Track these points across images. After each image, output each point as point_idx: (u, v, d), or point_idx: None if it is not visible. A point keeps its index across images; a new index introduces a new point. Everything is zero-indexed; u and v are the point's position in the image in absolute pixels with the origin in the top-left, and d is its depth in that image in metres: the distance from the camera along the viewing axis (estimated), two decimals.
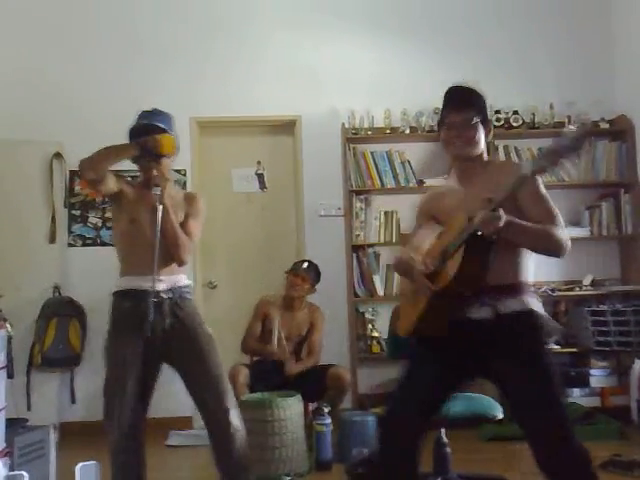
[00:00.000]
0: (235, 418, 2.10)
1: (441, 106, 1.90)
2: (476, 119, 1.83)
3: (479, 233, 1.65)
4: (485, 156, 1.90)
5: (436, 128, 1.94)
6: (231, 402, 2.11)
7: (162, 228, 2.10)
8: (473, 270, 1.68)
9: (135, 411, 2.08)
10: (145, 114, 2.25)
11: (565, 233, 1.74)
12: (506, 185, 1.63)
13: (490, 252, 1.69)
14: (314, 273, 3.51)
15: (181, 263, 2.17)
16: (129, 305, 2.11)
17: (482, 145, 1.86)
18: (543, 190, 1.78)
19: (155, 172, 2.15)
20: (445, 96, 1.90)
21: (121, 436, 2.06)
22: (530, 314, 1.77)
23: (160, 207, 2.09)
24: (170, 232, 2.12)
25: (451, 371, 1.79)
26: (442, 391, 1.82)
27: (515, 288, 1.78)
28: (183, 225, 2.18)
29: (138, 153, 2.16)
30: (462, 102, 1.84)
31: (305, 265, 3.49)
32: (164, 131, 2.18)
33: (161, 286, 2.10)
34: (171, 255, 2.14)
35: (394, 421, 1.79)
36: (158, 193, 2.12)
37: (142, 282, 2.09)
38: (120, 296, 2.16)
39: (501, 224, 1.62)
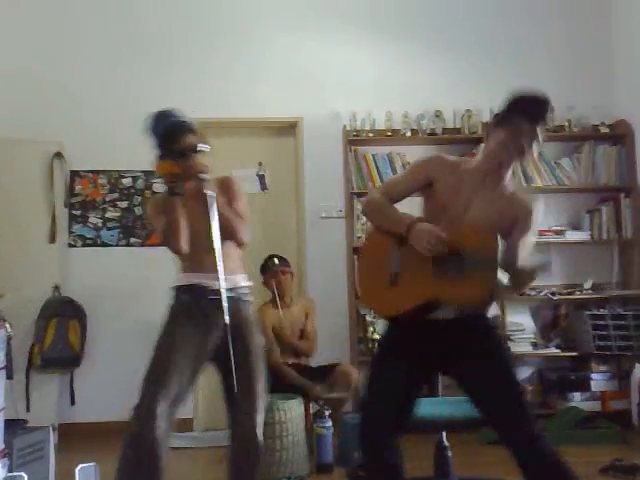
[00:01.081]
0: (261, 436, 2.09)
1: (514, 103, 1.83)
2: (540, 136, 1.82)
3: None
4: (508, 175, 1.89)
5: (490, 121, 1.89)
6: (260, 417, 2.09)
7: (218, 217, 2.05)
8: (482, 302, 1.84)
9: (171, 402, 1.99)
10: (162, 116, 2.15)
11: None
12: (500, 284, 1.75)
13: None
14: (285, 262, 3.55)
15: (243, 245, 2.14)
16: (189, 299, 2.10)
17: (522, 161, 1.88)
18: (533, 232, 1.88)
19: (192, 163, 2.06)
20: (522, 99, 1.83)
21: (154, 402, 1.94)
22: (485, 317, 1.90)
23: (210, 194, 2.04)
24: (225, 217, 2.08)
25: (417, 371, 1.86)
26: (410, 391, 1.88)
27: None
28: (228, 209, 2.12)
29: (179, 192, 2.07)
30: (540, 117, 1.81)
31: (276, 260, 3.51)
32: (188, 126, 2.13)
33: (223, 284, 2.06)
34: (236, 239, 2.11)
35: (370, 427, 1.85)
36: (206, 179, 2.05)
37: (203, 279, 2.08)
38: (181, 291, 2.13)
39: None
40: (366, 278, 1.93)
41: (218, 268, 2.02)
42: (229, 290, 2.09)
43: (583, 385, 3.83)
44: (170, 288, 2.17)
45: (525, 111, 1.81)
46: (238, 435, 2.08)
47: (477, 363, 1.80)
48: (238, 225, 2.12)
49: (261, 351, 2.16)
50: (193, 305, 2.09)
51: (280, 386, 3.23)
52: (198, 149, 2.07)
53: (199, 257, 2.10)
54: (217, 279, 2.04)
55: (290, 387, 3.23)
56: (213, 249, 2.03)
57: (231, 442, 2.11)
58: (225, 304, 2.02)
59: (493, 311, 1.92)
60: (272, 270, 3.50)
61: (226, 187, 2.19)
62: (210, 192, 2.05)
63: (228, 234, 2.09)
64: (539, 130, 1.81)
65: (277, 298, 3.49)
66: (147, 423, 1.93)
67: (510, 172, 1.89)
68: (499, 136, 1.83)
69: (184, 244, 2.08)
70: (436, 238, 1.76)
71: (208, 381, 3.78)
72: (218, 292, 2.04)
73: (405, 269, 1.84)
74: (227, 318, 2.03)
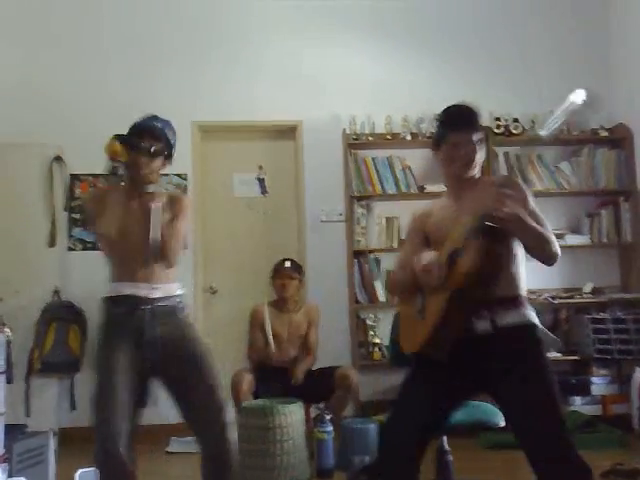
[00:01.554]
0: (231, 433, 2.02)
1: (439, 123, 1.89)
2: (478, 140, 1.83)
3: (490, 225, 1.66)
4: (478, 173, 1.90)
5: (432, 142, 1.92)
6: (228, 417, 2.03)
7: (151, 229, 2.02)
8: (489, 263, 1.68)
9: (125, 421, 1.96)
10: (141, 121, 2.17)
11: (557, 244, 1.80)
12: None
13: (502, 244, 1.73)
14: (297, 268, 3.52)
15: (170, 265, 2.08)
16: (122, 312, 2.04)
17: (479, 165, 1.87)
18: (535, 206, 1.84)
19: (142, 172, 2.07)
20: (446, 114, 1.88)
21: (107, 448, 1.94)
22: (529, 327, 1.78)
23: (154, 206, 2.02)
24: (162, 231, 2.04)
25: (449, 390, 1.79)
26: (440, 410, 1.81)
27: (513, 300, 1.78)
28: (168, 226, 2.08)
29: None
30: (465, 122, 1.84)
31: (287, 264, 3.48)
32: (158, 131, 2.12)
33: (155, 294, 2.05)
34: (163, 258, 2.05)
35: (394, 443, 1.78)
36: (148, 190, 2.05)
37: (135, 289, 2.03)
38: (110, 302, 2.08)
39: (511, 209, 1.65)
40: (404, 328, 1.93)
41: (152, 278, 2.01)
42: (163, 299, 2.06)
43: (584, 389, 3.82)
44: (101, 299, 2.12)
45: (452, 123, 1.85)
46: (209, 445, 2.01)
47: (513, 386, 1.69)
48: (170, 245, 2.04)
49: (207, 352, 2.08)
50: (127, 318, 2.02)
51: (265, 370, 3.26)
52: (150, 151, 2.06)
53: (132, 266, 2.05)
54: (150, 289, 2.03)
55: (273, 369, 3.25)
56: (147, 258, 2.02)
57: (203, 454, 2.04)
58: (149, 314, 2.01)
59: (536, 320, 1.80)
60: (276, 272, 3.48)
61: (174, 203, 2.13)
62: (154, 205, 2.03)
63: (160, 251, 2.04)
64: (474, 134, 1.82)
65: (278, 301, 3.47)
66: (112, 461, 1.93)
67: (475, 173, 1.87)
68: (440, 157, 1.88)
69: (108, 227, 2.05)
70: (432, 267, 1.74)
71: None
72: (152, 302, 2.03)
73: (427, 298, 1.81)
74: (158, 329, 2.01)
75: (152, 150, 2.06)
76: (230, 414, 2.05)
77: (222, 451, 2.00)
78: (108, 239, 2.06)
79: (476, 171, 1.87)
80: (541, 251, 1.76)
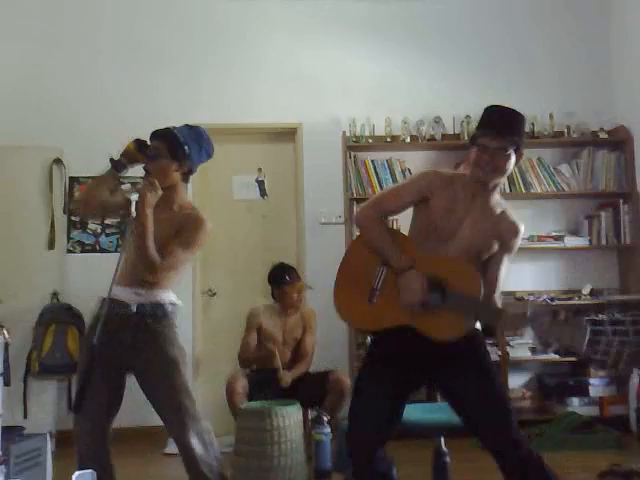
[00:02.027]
0: (198, 446, 2.01)
1: (478, 122, 1.85)
2: (511, 149, 1.80)
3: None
4: (499, 186, 1.89)
5: (467, 140, 1.95)
6: (193, 431, 2.00)
7: (135, 235, 2.02)
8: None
9: (98, 418, 2.03)
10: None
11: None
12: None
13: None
14: (296, 275, 3.49)
15: (145, 279, 2.02)
16: (103, 312, 2.02)
17: (506, 175, 1.86)
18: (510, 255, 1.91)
19: (150, 177, 2.07)
20: (486, 115, 1.84)
21: (85, 440, 2.02)
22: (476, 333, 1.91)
23: (134, 213, 2.00)
24: (136, 243, 2.02)
25: (403, 382, 1.87)
26: (397, 402, 1.88)
27: None
28: (164, 243, 2.03)
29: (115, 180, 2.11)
30: (503, 128, 1.79)
31: (287, 278, 3.42)
32: (161, 132, 2.13)
33: (135, 298, 2.04)
34: (140, 270, 2.02)
35: (358, 438, 1.85)
36: (136, 199, 2.01)
37: (119, 292, 2.04)
38: (101, 302, 2.10)
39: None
40: (344, 288, 1.91)
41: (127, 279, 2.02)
42: (141, 305, 2.04)
43: (581, 390, 3.83)
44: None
45: (488, 126, 1.81)
46: (179, 449, 2.04)
47: (461, 370, 1.83)
48: (146, 261, 1.99)
49: (177, 363, 2.05)
50: (106, 319, 1.99)
51: (259, 373, 3.26)
52: (151, 155, 2.07)
53: (122, 270, 2.05)
54: (131, 293, 2.04)
55: (268, 372, 3.25)
56: (130, 263, 2.03)
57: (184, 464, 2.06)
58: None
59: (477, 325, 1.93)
60: (292, 283, 3.40)
61: (185, 222, 2.07)
62: (134, 197, 2.01)
63: (137, 258, 2.02)
64: (508, 143, 1.79)
65: (282, 308, 3.46)
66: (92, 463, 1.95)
67: (498, 189, 1.89)
68: (471, 156, 1.85)
69: (82, 205, 2.14)
70: (418, 302, 1.79)
71: (203, 388, 3.81)
72: (126, 305, 2.04)
73: (385, 288, 1.85)
74: (131, 335, 2.02)
75: (150, 153, 2.07)
76: (200, 425, 2.04)
77: (189, 460, 2.02)
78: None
79: (500, 180, 1.86)
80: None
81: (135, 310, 2.05)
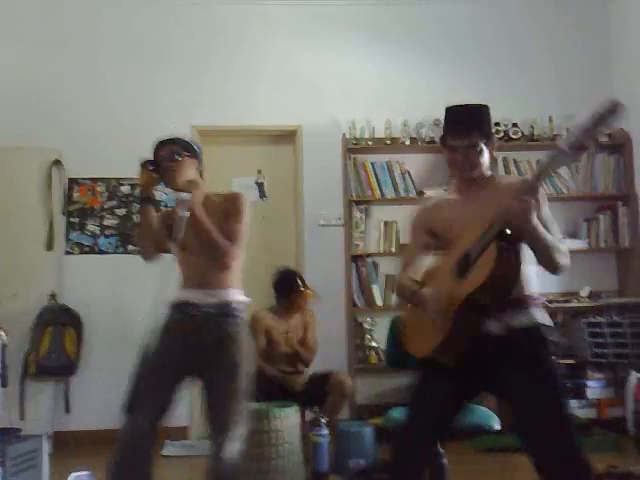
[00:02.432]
0: (228, 455, 1.99)
1: (443, 123, 1.86)
2: (480, 144, 1.80)
3: (508, 232, 1.63)
4: (488, 171, 1.87)
5: (438, 141, 1.93)
6: (227, 441, 2.00)
7: (197, 234, 2.04)
8: (507, 272, 1.66)
9: (154, 415, 2.00)
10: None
11: (567, 255, 1.77)
12: (540, 166, 1.64)
13: (520, 252, 1.70)
14: (302, 280, 3.49)
15: (225, 267, 2.09)
16: (178, 317, 2.09)
17: (485, 165, 1.85)
18: (548, 212, 1.80)
19: (171, 173, 2.08)
20: (447, 117, 1.85)
21: (133, 438, 1.96)
22: (537, 328, 1.78)
23: (187, 214, 2.01)
24: (204, 237, 2.04)
25: (460, 387, 1.79)
26: (452, 407, 1.82)
27: (522, 301, 1.78)
28: (222, 227, 2.08)
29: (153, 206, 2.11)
30: (466, 126, 1.79)
31: (300, 283, 3.44)
32: (171, 140, 2.14)
33: (208, 300, 2.07)
34: (216, 260, 2.07)
35: (408, 439, 1.79)
36: (184, 198, 2.01)
37: (190, 294, 2.08)
38: (172, 307, 2.13)
39: (534, 217, 1.62)
40: (411, 333, 1.89)
41: (201, 284, 2.05)
42: (211, 306, 2.07)
43: (579, 392, 3.83)
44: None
45: (453, 126, 1.82)
46: (213, 454, 2.01)
47: (521, 384, 1.70)
48: (221, 243, 2.05)
49: (246, 370, 2.07)
50: (178, 322, 2.08)
51: (262, 384, 3.23)
52: (172, 157, 2.08)
53: (188, 273, 2.11)
54: (201, 295, 2.06)
55: (272, 385, 3.24)
56: (203, 265, 2.06)
57: (209, 460, 2.04)
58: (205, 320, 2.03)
59: (546, 320, 1.81)
60: (301, 290, 3.42)
61: (228, 203, 2.14)
62: (182, 213, 2.01)
63: (211, 251, 2.06)
64: (476, 138, 1.78)
65: (284, 310, 3.46)
66: (134, 446, 1.94)
67: (481, 172, 1.84)
68: (446, 156, 1.86)
69: (149, 251, 2.13)
70: (436, 305, 1.74)
71: None
72: (199, 308, 2.05)
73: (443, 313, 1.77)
74: (206, 335, 2.02)
75: (170, 155, 2.09)
76: (242, 429, 2.04)
77: (217, 460, 2.00)
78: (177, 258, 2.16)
79: (480, 172, 1.84)
80: (549, 261, 1.75)
81: (212, 310, 2.07)
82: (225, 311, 2.09)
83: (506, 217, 1.63)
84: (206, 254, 2.07)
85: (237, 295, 2.13)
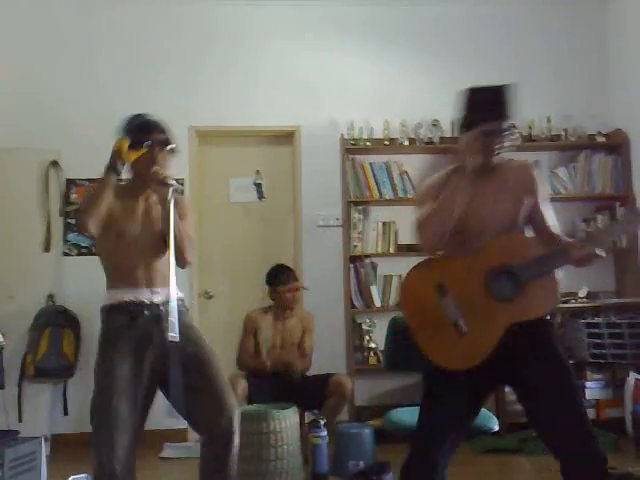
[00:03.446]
0: (237, 434, 2.00)
1: (464, 106, 1.77)
2: (508, 127, 1.75)
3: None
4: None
5: (457, 130, 1.83)
6: (237, 416, 2.00)
7: (168, 225, 1.96)
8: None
9: (129, 434, 1.94)
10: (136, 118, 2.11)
11: None
12: (611, 226, 1.79)
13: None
14: (293, 276, 3.49)
15: (185, 263, 2.04)
16: (125, 320, 1.97)
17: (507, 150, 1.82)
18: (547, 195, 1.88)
19: (158, 167, 2.02)
20: (475, 99, 1.76)
21: (110, 460, 1.93)
22: (546, 321, 1.81)
23: (173, 201, 1.96)
24: (176, 228, 1.99)
25: (477, 385, 1.78)
26: (471, 408, 1.80)
27: None
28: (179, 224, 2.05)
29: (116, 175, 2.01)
30: (502, 108, 1.74)
31: (282, 279, 3.42)
32: (162, 125, 2.09)
33: (157, 298, 2.01)
34: (180, 255, 2.01)
35: (426, 443, 1.75)
36: (172, 185, 1.98)
37: (137, 294, 1.98)
38: (111, 310, 2.01)
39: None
40: (430, 340, 1.78)
41: (170, 280, 1.97)
42: (166, 303, 2.00)
43: None
44: (100, 308, 2.05)
45: (487, 109, 1.75)
46: (216, 440, 1.98)
47: (537, 370, 1.72)
48: (187, 243, 2.03)
49: (213, 352, 2.06)
50: (129, 326, 1.95)
51: (259, 376, 3.23)
52: (168, 145, 2.05)
53: (132, 270, 1.99)
54: (153, 293, 1.99)
55: (268, 375, 3.23)
56: (148, 261, 1.99)
57: (206, 451, 2.02)
58: (173, 318, 1.94)
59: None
60: (287, 283, 3.41)
61: (178, 203, 2.08)
62: (172, 201, 1.97)
63: (176, 246, 1.99)
64: (512, 121, 1.74)
65: (278, 309, 3.45)
66: (110, 459, 1.92)
67: (495, 157, 1.80)
68: (462, 139, 1.80)
69: (92, 223, 1.93)
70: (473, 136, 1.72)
71: None
72: (156, 307, 1.99)
73: (464, 312, 1.74)
74: (172, 334, 1.93)
75: (167, 142, 2.05)
76: (239, 418, 2.02)
77: (226, 453, 1.98)
78: (107, 247, 2.04)
79: (501, 156, 1.81)
80: None
81: (164, 309, 2.00)
82: (179, 307, 2.03)
83: (569, 261, 1.69)
84: (157, 249, 2.00)
85: (178, 290, 2.08)
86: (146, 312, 1.98)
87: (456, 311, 1.75)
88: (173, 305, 1.95)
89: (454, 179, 1.81)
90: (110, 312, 2.01)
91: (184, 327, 2.01)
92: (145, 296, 1.99)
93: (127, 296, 1.99)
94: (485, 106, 1.76)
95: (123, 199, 2.06)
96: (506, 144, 1.78)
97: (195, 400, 1.99)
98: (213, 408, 1.98)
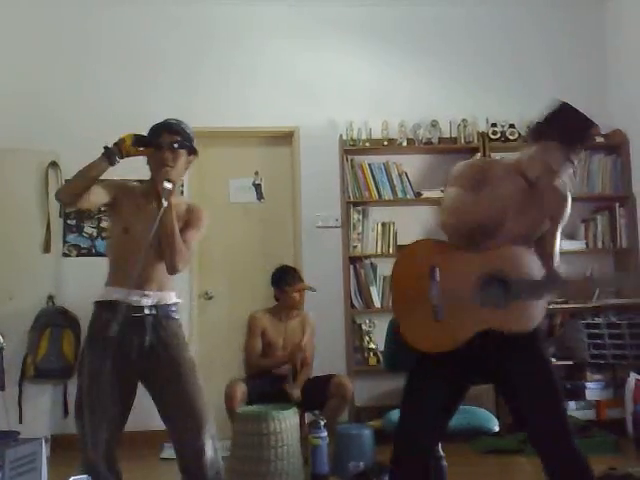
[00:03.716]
0: (210, 450, 1.99)
1: (552, 116, 1.80)
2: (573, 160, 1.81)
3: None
4: None
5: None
6: (208, 434, 2.00)
7: (160, 228, 1.97)
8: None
9: (110, 429, 1.97)
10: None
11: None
12: (607, 277, 1.81)
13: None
14: (299, 277, 3.49)
15: (173, 270, 2.03)
16: (108, 317, 1.97)
17: None
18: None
19: (168, 169, 2.05)
20: (571, 118, 1.79)
21: (94, 455, 1.96)
22: None
23: (165, 203, 1.97)
24: (168, 232, 2.00)
25: (456, 381, 1.81)
26: (450, 402, 1.83)
27: None
28: (181, 232, 2.05)
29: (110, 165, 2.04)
30: (585, 143, 1.83)
31: (291, 277, 3.43)
32: (176, 127, 2.12)
33: (145, 301, 2.02)
34: (167, 260, 2.01)
35: (409, 440, 1.79)
36: (169, 187, 1.99)
37: (125, 295, 1.98)
38: (101, 307, 2.06)
39: None
40: (406, 313, 1.83)
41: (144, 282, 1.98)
42: (153, 307, 2.02)
43: (578, 394, 3.82)
44: (92, 302, 2.08)
45: (559, 130, 1.77)
46: (185, 459, 2.00)
47: (519, 368, 1.75)
48: (180, 246, 2.01)
49: (194, 366, 2.05)
50: (113, 324, 1.94)
51: (258, 379, 3.23)
52: (173, 145, 2.06)
53: (126, 270, 1.99)
54: (141, 296, 2.00)
55: (267, 378, 3.23)
56: (148, 261, 1.99)
57: (180, 465, 2.03)
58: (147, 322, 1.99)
59: None
60: (294, 284, 3.41)
61: (191, 213, 2.12)
62: (165, 202, 1.98)
63: (165, 249, 2.01)
64: (574, 151, 1.77)
65: (281, 309, 3.45)
66: (94, 471, 1.95)
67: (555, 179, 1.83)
68: (530, 149, 1.83)
69: (65, 195, 2.03)
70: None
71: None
72: (140, 309, 2.00)
73: (447, 300, 1.76)
74: (147, 338, 1.98)
75: (175, 145, 2.06)
76: (212, 429, 2.02)
77: (198, 465, 1.98)
78: (114, 241, 2.08)
79: (555, 179, 1.86)
80: None
81: (149, 313, 2.02)
82: (165, 312, 2.06)
83: (569, 296, 1.75)
84: (158, 251, 2.01)
85: (172, 295, 2.11)
86: (132, 314, 1.99)
87: (438, 297, 1.78)
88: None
89: (504, 177, 1.83)
90: (98, 308, 2.07)
91: (169, 336, 2.03)
92: (134, 298, 2.00)
93: (117, 295, 2.01)
94: (573, 131, 1.78)
95: (136, 197, 2.11)
96: (566, 174, 1.82)
97: (168, 412, 2.02)
98: (183, 427, 2.00)
